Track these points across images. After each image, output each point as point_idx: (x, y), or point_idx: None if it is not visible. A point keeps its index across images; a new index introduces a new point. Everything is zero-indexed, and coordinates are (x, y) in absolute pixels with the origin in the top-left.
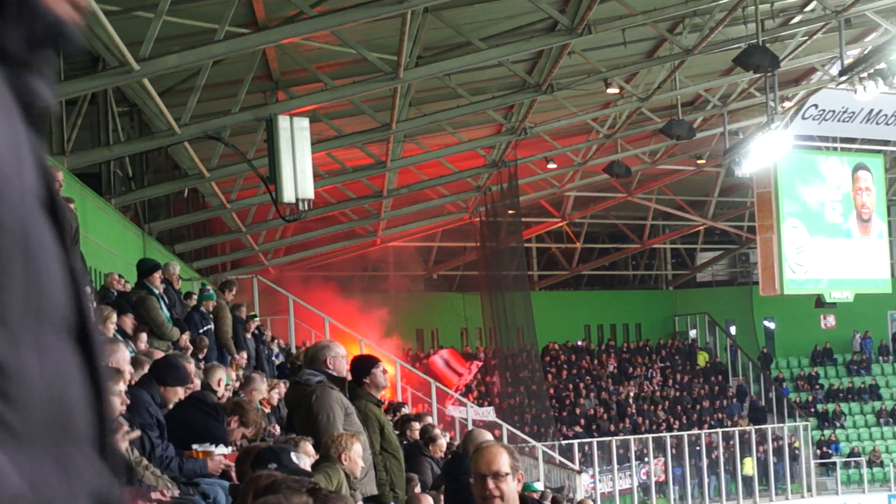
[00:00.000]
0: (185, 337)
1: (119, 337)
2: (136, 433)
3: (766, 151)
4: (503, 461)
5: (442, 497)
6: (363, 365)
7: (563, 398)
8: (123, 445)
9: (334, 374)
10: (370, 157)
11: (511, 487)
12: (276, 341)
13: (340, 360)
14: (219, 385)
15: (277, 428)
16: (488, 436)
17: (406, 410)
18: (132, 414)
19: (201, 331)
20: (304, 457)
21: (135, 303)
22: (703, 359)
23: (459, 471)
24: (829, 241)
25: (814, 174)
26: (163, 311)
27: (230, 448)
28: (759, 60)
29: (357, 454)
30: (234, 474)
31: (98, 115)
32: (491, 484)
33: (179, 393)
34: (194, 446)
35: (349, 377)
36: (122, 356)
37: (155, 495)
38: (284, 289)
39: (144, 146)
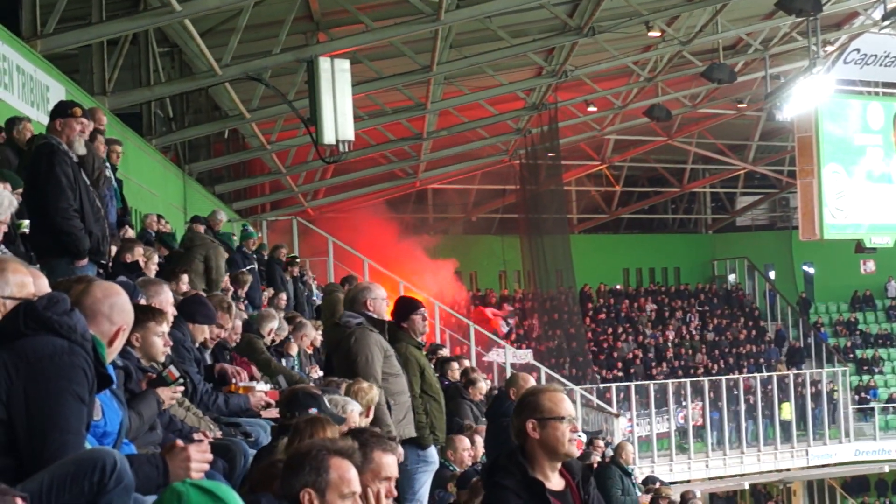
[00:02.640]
0: (226, 278)
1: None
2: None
3: (807, 96)
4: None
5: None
6: (407, 308)
7: (602, 342)
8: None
9: (374, 316)
10: (410, 99)
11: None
12: (314, 282)
13: (380, 301)
14: (269, 334)
15: (318, 369)
16: (532, 380)
17: (444, 353)
18: (174, 353)
19: (245, 269)
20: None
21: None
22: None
23: (500, 412)
24: (870, 186)
25: (855, 119)
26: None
27: (269, 385)
28: (801, 4)
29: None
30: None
31: (139, 55)
32: (571, 428)
33: (206, 332)
34: (235, 381)
35: (389, 319)
36: (166, 297)
37: (197, 436)
38: (324, 230)
39: (185, 87)
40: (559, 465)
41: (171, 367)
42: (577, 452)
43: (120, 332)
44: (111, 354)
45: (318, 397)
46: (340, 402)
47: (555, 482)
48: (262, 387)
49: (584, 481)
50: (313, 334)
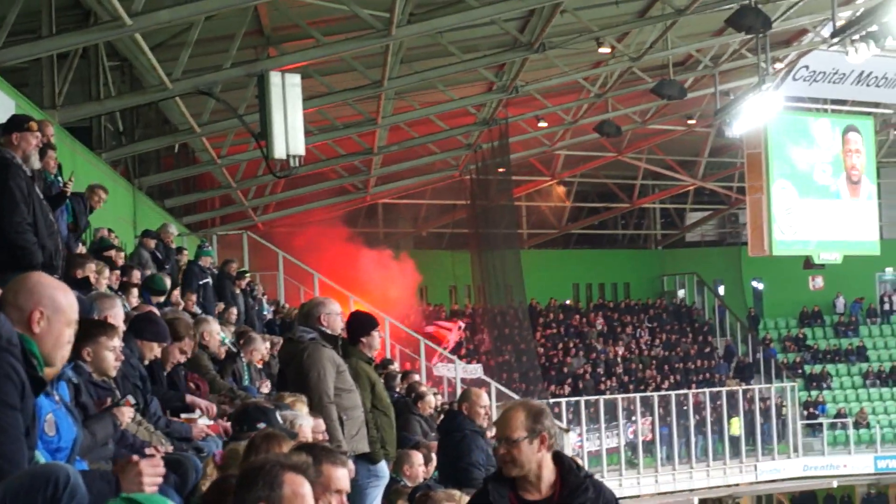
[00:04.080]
0: (177, 293)
1: (113, 292)
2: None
3: (756, 112)
4: (515, 425)
5: (433, 453)
6: (362, 325)
7: (552, 357)
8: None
9: (328, 331)
10: (361, 114)
11: (524, 451)
12: (264, 297)
13: (335, 317)
14: (207, 338)
15: (268, 384)
16: (484, 395)
17: (395, 367)
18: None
19: (200, 283)
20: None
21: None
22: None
23: (452, 427)
24: (819, 203)
25: (804, 135)
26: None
27: (212, 420)
28: (751, 21)
29: None
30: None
31: (89, 69)
32: (502, 449)
33: (155, 349)
34: (181, 415)
35: (343, 334)
36: (118, 312)
37: (149, 450)
38: (275, 244)
39: (135, 101)
40: (545, 479)
41: (129, 397)
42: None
43: (35, 315)
44: (47, 345)
45: (269, 412)
46: (290, 417)
47: (535, 493)
48: (205, 420)
49: (570, 495)
50: (263, 349)
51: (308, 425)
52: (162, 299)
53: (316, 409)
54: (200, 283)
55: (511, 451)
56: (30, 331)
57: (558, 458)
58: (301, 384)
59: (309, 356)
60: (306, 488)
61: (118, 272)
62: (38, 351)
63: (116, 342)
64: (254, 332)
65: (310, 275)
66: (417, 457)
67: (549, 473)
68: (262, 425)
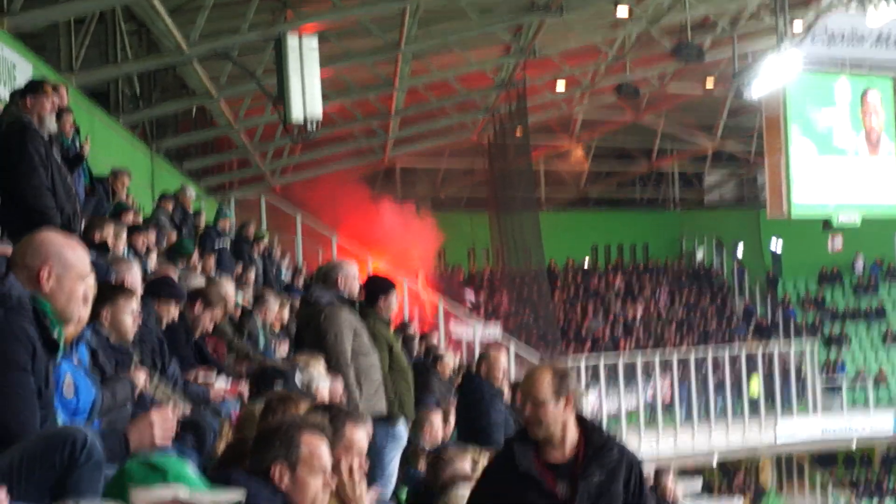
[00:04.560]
0: (196, 256)
1: (131, 256)
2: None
3: (775, 74)
4: (542, 386)
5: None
6: (379, 287)
7: (570, 318)
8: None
9: (345, 293)
10: (378, 76)
11: (551, 412)
12: (284, 259)
13: (352, 280)
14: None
15: (286, 346)
16: (502, 358)
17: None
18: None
19: (217, 248)
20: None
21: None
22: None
23: (471, 389)
24: (838, 165)
25: (823, 97)
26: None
27: (229, 381)
28: None
29: None
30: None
31: (106, 33)
32: (528, 410)
33: (172, 310)
34: (197, 377)
35: (360, 297)
36: (135, 275)
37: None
38: (294, 203)
39: (153, 64)
40: (569, 440)
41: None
42: (536, 433)
43: (43, 272)
44: (59, 302)
45: (286, 373)
46: (308, 379)
47: (560, 454)
48: (221, 384)
49: (593, 456)
50: (276, 309)
51: (325, 387)
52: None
53: (333, 370)
54: (217, 247)
55: (537, 412)
56: (40, 289)
57: (581, 419)
58: (318, 346)
59: (326, 318)
60: (323, 448)
61: (143, 235)
62: (51, 309)
63: (134, 305)
64: (269, 293)
65: (327, 237)
66: (437, 419)
67: (573, 434)
68: (279, 386)
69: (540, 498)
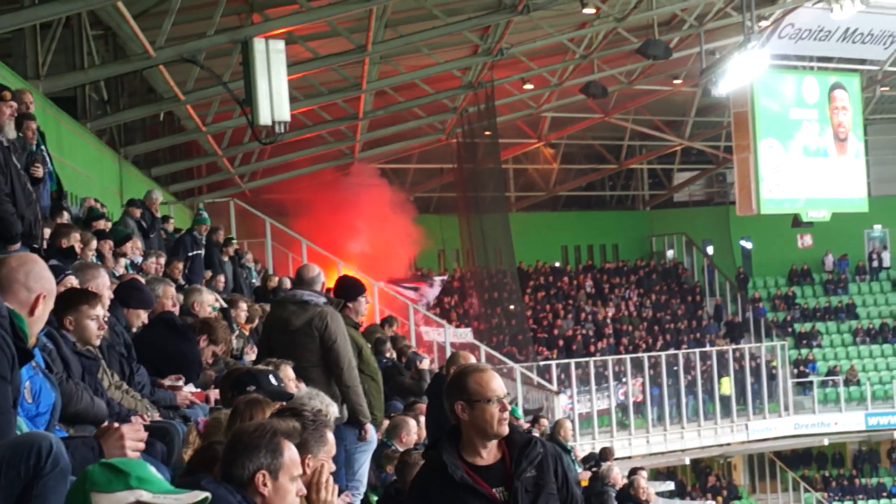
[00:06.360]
0: (152, 262)
1: (98, 262)
2: None
3: (742, 71)
4: (503, 386)
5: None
6: (352, 290)
7: (541, 319)
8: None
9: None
10: (346, 79)
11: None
12: (255, 263)
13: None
14: (198, 308)
15: (255, 350)
16: (472, 358)
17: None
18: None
19: (191, 254)
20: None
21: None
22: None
23: (440, 392)
24: (806, 161)
25: (791, 93)
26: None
27: (198, 388)
28: None
29: None
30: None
31: (73, 38)
32: (501, 409)
33: (142, 316)
34: (164, 381)
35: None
36: (102, 281)
37: (135, 419)
38: (261, 212)
39: (119, 69)
40: (493, 442)
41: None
42: (506, 431)
43: (40, 299)
44: (35, 324)
45: (257, 375)
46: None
47: (486, 457)
48: (189, 388)
49: (521, 454)
50: (244, 311)
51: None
52: (128, 248)
53: (346, 373)
54: (191, 254)
55: (504, 411)
56: (28, 310)
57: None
58: (310, 345)
59: (333, 320)
60: (297, 455)
61: (111, 242)
62: (26, 327)
63: (99, 311)
64: (239, 298)
65: (297, 241)
66: (413, 424)
67: None
68: (251, 388)
69: (479, 502)
